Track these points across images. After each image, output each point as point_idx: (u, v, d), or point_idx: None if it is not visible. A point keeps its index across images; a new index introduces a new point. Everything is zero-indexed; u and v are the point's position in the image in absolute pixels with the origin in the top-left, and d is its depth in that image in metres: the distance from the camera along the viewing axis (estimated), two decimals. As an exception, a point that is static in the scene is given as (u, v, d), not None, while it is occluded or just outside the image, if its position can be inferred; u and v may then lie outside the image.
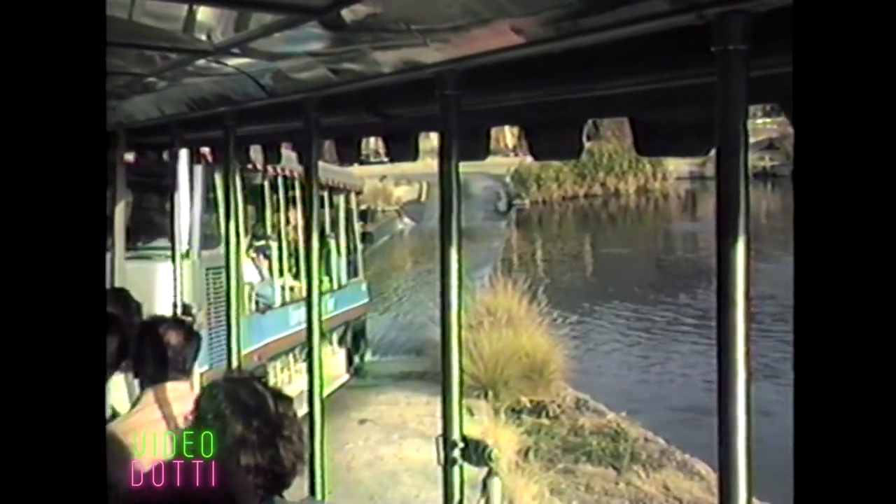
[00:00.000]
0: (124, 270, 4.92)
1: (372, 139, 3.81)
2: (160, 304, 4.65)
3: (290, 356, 9.29)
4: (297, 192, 9.32)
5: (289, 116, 3.18)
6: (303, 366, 8.93)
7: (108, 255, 4.76)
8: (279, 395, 2.20)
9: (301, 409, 2.48)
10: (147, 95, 3.62)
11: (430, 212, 34.51)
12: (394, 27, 2.10)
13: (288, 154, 4.21)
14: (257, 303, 8.47)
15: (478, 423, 9.02)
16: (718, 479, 1.51)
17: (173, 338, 3.27)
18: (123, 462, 2.61)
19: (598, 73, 1.99)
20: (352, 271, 11.84)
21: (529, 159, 40.12)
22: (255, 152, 4.31)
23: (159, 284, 5.92)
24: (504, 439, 8.52)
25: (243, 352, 3.75)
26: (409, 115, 2.83)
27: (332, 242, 10.89)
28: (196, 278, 7.10)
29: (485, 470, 2.12)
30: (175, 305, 4.24)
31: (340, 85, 2.68)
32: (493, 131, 2.80)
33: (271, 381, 7.74)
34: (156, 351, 3.13)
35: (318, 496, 3.03)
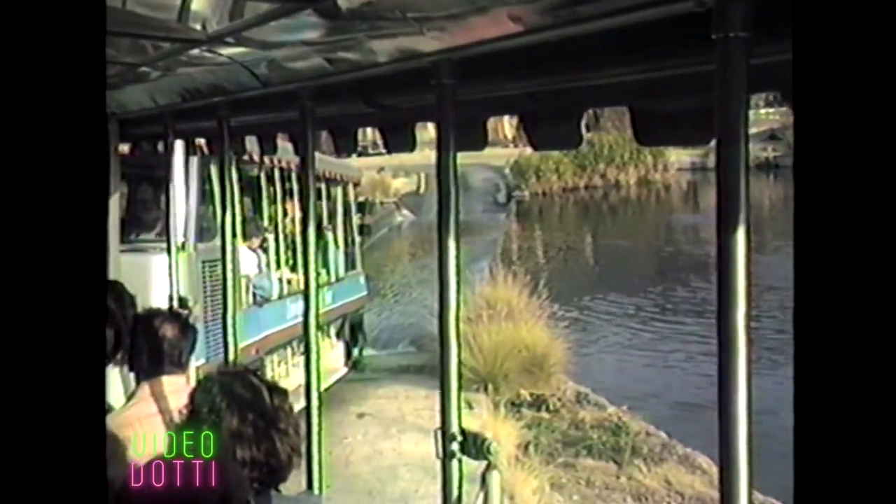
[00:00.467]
0: (119, 263, 4.92)
1: (369, 130, 3.81)
2: (155, 297, 4.64)
3: (288, 350, 9.29)
4: (294, 184, 9.31)
5: (284, 106, 3.17)
6: (300, 359, 8.94)
7: (103, 248, 4.74)
8: (275, 388, 2.21)
9: (299, 403, 2.48)
10: (140, 85, 3.61)
11: (429, 204, 34.45)
12: (390, 15, 2.09)
13: (284, 145, 4.20)
14: (254, 295, 8.47)
15: (477, 416, 9.03)
16: (719, 473, 1.51)
17: (169, 331, 3.27)
18: (119, 457, 2.61)
19: (596, 61, 1.98)
20: (350, 264, 11.84)
21: (529, 150, 40.24)
22: (251, 143, 4.30)
23: (155, 277, 5.92)
24: (504, 433, 8.53)
25: (240, 345, 3.75)
26: (405, 105, 2.83)
27: (330, 235, 10.89)
28: (192, 271, 7.09)
29: (484, 464, 2.12)
30: (171, 298, 4.24)
31: (336, 74, 2.68)
32: (491, 121, 2.79)
33: (269, 375, 7.76)
34: (151, 344, 3.13)
35: (316, 491, 3.04)
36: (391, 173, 40.94)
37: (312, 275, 3.11)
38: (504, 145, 44.17)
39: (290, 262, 9.60)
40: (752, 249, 1.49)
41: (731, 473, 1.49)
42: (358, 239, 12.47)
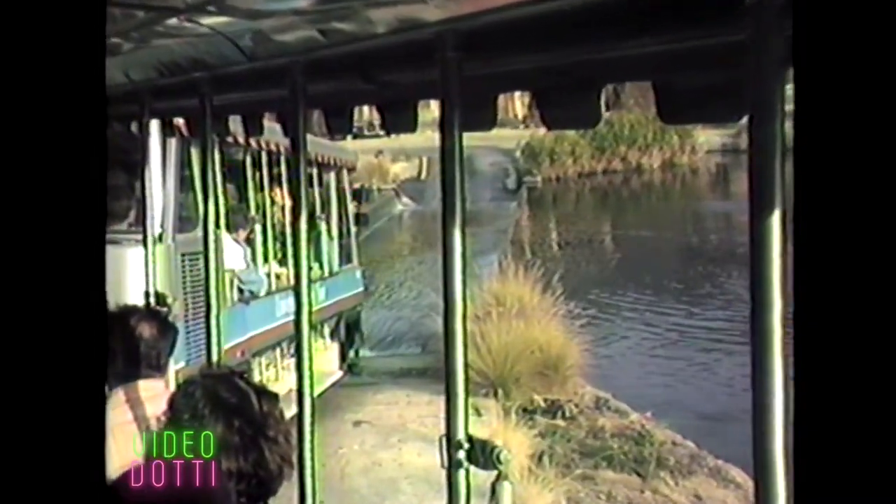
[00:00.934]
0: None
1: (366, 109, 3.81)
2: (130, 293, 4.65)
3: (277, 351, 9.32)
4: (283, 169, 9.32)
5: (272, 83, 3.17)
6: (291, 362, 8.96)
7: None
8: (263, 392, 2.21)
9: (290, 410, 2.49)
10: (112, 59, 3.60)
11: (432, 191, 34.49)
12: (389, -18, 2.09)
13: (272, 126, 4.20)
14: (240, 291, 8.48)
15: (486, 424, 9.05)
16: (755, 488, 1.51)
17: (146, 331, 3.28)
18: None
19: (617, 31, 1.98)
20: (345, 257, 11.86)
21: (542, 130, 40.22)
22: (235, 124, 4.30)
23: (129, 272, 5.92)
24: (515, 442, 8.55)
25: (224, 346, 3.75)
26: (406, 81, 2.83)
27: (323, 225, 10.91)
28: (170, 265, 7.11)
29: (494, 474, 2.13)
30: (147, 295, 4.25)
31: (329, 47, 2.68)
32: (501, 99, 2.79)
33: (256, 379, 7.77)
34: (126, 345, 3.15)
35: (308, 506, 3.05)
36: (390, 157, 40.96)
37: (304, 269, 3.12)
38: (515, 126, 44.14)
39: (279, 255, 9.62)
40: (788, 240, 1.48)
41: (768, 488, 1.48)
42: (354, 230, 12.49)
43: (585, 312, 13.10)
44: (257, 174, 9.47)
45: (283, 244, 9.50)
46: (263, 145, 8.78)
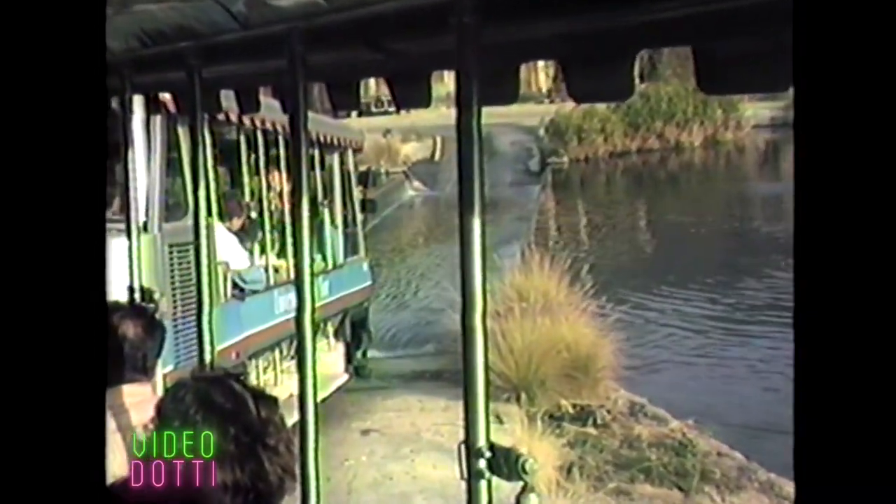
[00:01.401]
0: (69, 248, 4.96)
1: (373, 82, 3.81)
2: (113, 288, 4.68)
3: (276, 352, 9.35)
4: (281, 150, 9.34)
5: (268, 53, 3.17)
6: (292, 364, 8.99)
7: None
8: (262, 397, 2.22)
9: (291, 417, 2.50)
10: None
11: (447, 174, 34.55)
12: (397, -61, 2.09)
13: (268, 102, 4.21)
14: (235, 286, 8.51)
15: (508, 433, 9.06)
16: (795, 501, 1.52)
17: (130, 330, 3.30)
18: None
19: (652, -8, 1.98)
20: (350, 248, 11.89)
21: (568, 105, 40.15)
22: (228, 100, 4.31)
23: (111, 264, 5.96)
24: (541, 453, 8.56)
25: (217, 347, 3.76)
26: (418, 50, 2.83)
27: (326, 212, 10.93)
28: (157, 257, 7.15)
29: (518, 486, 2.13)
30: (132, 290, 4.27)
31: (333, 13, 2.68)
32: (523, 70, 2.79)
33: (253, 383, 7.78)
34: (109, 346, 3.16)
35: (312, 523, 3.06)
36: (400, 137, 41.03)
37: (305, 261, 3.13)
38: (538, 100, 44.13)
39: (278, 246, 9.65)
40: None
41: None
42: (360, 218, 12.52)
43: (618, 308, 13.10)
44: (252, 156, 9.48)
45: (282, 234, 9.52)
46: (259, 123, 8.79)
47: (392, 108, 38.40)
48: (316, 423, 2.99)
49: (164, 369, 5.79)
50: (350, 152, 12.36)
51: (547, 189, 37.11)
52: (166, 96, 5.85)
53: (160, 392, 2.94)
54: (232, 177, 10.08)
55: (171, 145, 7.61)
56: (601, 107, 40.62)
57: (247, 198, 9.48)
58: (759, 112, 43.20)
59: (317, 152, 10.58)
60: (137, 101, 5.91)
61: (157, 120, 7.31)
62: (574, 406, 10.85)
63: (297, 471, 2.50)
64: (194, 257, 3.85)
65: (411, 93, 3.12)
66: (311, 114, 3.33)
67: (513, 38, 2.45)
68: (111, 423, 3.08)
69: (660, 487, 9.09)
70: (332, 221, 11.23)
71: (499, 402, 10.06)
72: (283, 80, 3.17)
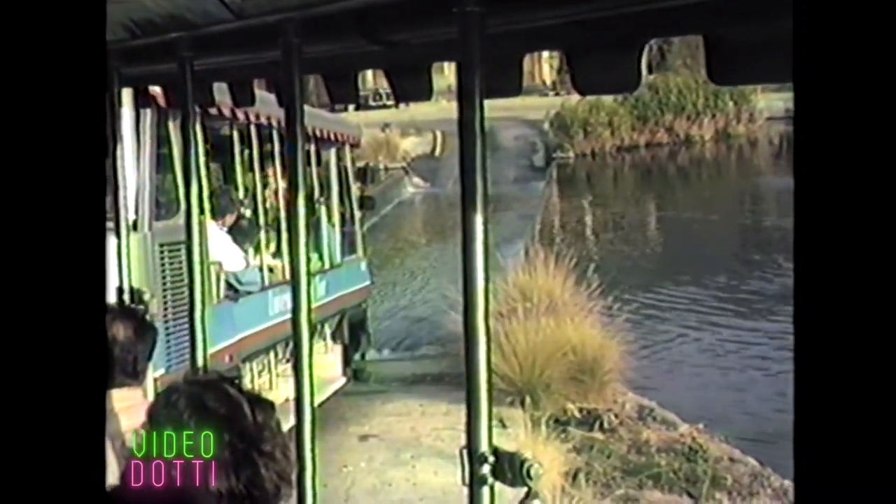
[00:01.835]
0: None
1: (371, 74, 3.81)
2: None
3: (272, 355, 9.35)
4: (276, 145, 9.34)
5: (263, 45, 3.18)
6: (288, 367, 8.99)
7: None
8: (257, 401, 2.22)
9: (287, 422, 2.50)
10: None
11: (448, 170, 34.53)
12: (396, -75, 2.09)
13: (263, 95, 4.21)
14: (228, 286, 8.51)
15: (512, 438, 9.07)
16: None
17: (120, 332, 3.30)
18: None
19: (661, -22, 1.98)
20: (348, 247, 11.89)
21: (574, 97, 40.09)
22: (221, 93, 4.31)
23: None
24: (546, 458, 8.55)
25: (210, 350, 3.76)
26: (418, 41, 2.83)
27: (323, 210, 10.93)
28: (147, 256, 7.14)
29: (522, 491, 2.13)
30: (121, 291, 4.27)
31: (330, 3, 2.68)
32: (527, 61, 2.79)
33: (248, 387, 7.79)
34: (98, 349, 3.17)
35: (309, 531, 3.06)
36: (399, 131, 41.04)
37: (302, 261, 3.13)
38: (543, 92, 44.11)
39: (273, 245, 9.65)
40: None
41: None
42: (358, 215, 12.52)
43: (625, 308, 13.09)
44: (246, 151, 9.48)
45: (277, 232, 9.52)
46: (253, 118, 8.79)
47: (391, 102, 38.37)
48: (313, 428, 2.99)
49: (155, 373, 5.79)
50: (347, 147, 12.36)
51: (552, 185, 37.11)
52: (156, 89, 5.85)
53: (151, 396, 2.94)
54: (225, 173, 10.08)
55: (162, 140, 7.61)
56: (608, 99, 40.59)
57: (240, 195, 9.47)
58: (772, 103, 43.05)
59: (313, 147, 10.58)
60: (126, 95, 5.91)
61: (147, 114, 7.31)
62: (580, 410, 10.85)
63: (294, 477, 2.50)
64: (186, 257, 3.84)
65: (411, 85, 3.12)
66: (307, 107, 3.33)
67: (516, 28, 2.45)
68: (101, 429, 3.08)
69: (670, 494, 9.09)
70: (329, 219, 11.23)
71: (502, 405, 10.06)
72: (278, 73, 3.17)
